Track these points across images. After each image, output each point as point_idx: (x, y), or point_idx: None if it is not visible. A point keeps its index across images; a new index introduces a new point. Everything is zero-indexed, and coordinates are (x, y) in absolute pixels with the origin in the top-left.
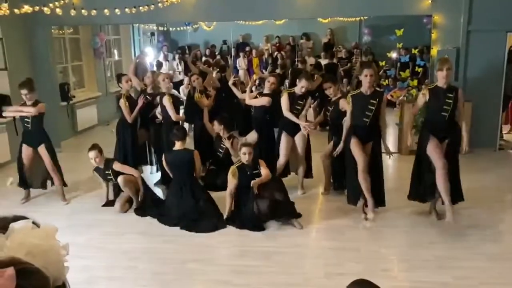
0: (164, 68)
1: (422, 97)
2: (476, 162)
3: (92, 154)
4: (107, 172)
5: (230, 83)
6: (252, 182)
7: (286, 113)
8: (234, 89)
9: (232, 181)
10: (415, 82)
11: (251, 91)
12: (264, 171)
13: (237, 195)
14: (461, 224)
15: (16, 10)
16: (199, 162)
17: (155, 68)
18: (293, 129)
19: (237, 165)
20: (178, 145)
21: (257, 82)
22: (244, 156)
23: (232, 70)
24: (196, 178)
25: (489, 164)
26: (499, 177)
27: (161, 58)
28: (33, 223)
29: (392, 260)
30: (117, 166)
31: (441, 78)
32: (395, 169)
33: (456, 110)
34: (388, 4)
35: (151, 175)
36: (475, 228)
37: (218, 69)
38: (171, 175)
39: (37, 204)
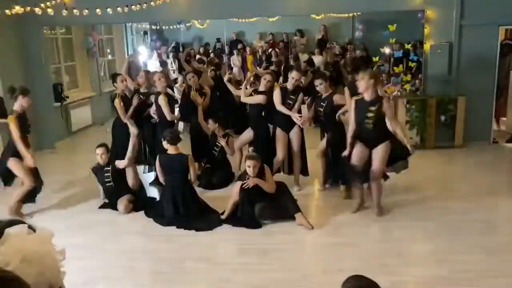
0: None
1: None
2: (470, 155)
3: (100, 150)
4: (106, 169)
5: (225, 79)
6: (251, 178)
7: (279, 106)
8: (229, 86)
9: (236, 196)
10: (409, 77)
11: (246, 88)
12: (268, 179)
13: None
14: (456, 218)
15: (7, 11)
16: (194, 167)
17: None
18: (288, 125)
19: (243, 182)
20: (172, 149)
21: (251, 79)
22: (249, 169)
23: (227, 68)
24: (189, 183)
25: (484, 157)
26: (493, 171)
27: (154, 58)
28: (29, 227)
29: (390, 255)
30: (120, 163)
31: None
32: None
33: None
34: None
35: (145, 174)
36: (471, 221)
37: (212, 67)
38: (161, 179)
39: (34, 206)
